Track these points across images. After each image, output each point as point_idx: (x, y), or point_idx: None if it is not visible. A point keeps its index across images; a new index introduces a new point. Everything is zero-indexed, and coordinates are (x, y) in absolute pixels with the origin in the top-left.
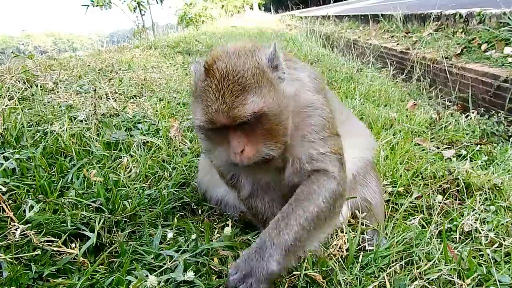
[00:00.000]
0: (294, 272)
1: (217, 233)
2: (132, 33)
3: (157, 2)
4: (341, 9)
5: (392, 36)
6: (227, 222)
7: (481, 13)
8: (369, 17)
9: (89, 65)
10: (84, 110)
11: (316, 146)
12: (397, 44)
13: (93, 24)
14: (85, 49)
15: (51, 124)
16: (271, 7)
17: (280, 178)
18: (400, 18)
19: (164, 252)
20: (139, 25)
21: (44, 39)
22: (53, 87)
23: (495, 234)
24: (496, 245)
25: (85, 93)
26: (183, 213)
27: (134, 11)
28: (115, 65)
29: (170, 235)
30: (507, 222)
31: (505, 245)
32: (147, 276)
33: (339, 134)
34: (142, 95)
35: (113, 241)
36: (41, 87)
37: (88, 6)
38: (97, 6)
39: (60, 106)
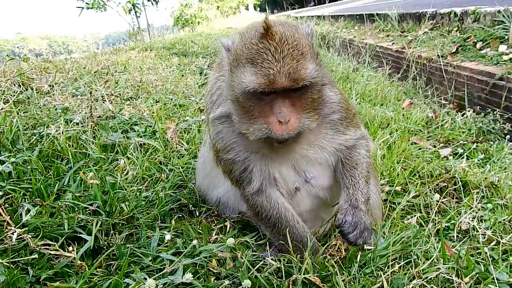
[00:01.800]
0: (294, 275)
1: (215, 234)
2: (127, 35)
3: (152, 4)
4: (336, 9)
5: (388, 35)
6: (225, 224)
7: (475, 12)
8: (364, 16)
9: (84, 68)
10: (80, 113)
11: (346, 132)
12: (393, 43)
13: (88, 27)
14: (80, 51)
15: (47, 127)
16: (267, 7)
17: (299, 164)
18: (395, 17)
19: (163, 255)
20: (134, 27)
21: (39, 42)
22: (48, 90)
23: (492, 232)
24: (494, 243)
25: (81, 96)
26: (180, 215)
27: (129, 13)
28: (111, 67)
29: (168, 237)
30: (504, 220)
31: (502, 243)
32: (145, 279)
33: (356, 112)
34: (138, 97)
35: (111, 244)
36: (36, 90)
37: (83, 8)
38: (91, 8)
39: (56, 109)
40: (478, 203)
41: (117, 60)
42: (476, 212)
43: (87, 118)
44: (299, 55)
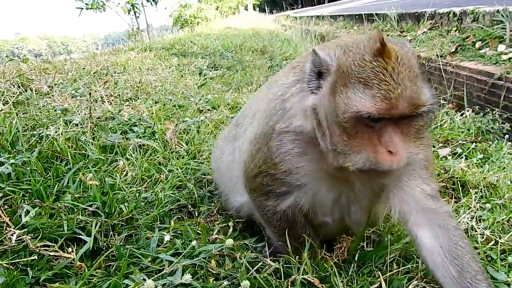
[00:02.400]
0: (293, 276)
1: (215, 234)
2: (126, 36)
3: (152, 4)
4: (336, 9)
5: (387, 35)
6: (229, 223)
7: (474, 11)
8: (363, 16)
9: (84, 68)
10: (79, 114)
11: (428, 182)
12: None
13: (87, 27)
14: (80, 52)
15: (46, 128)
16: (266, 7)
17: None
18: (394, 17)
19: (162, 256)
20: (133, 27)
21: (38, 43)
22: (48, 91)
23: (491, 232)
24: (492, 242)
25: (80, 97)
26: (180, 216)
27: (129, 13)
28: (110, 68)
29: (167, 238)
30: (502, 219)
31: (501, 242)
32: (144, 280)
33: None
34: (138, 98)
35: (110, 245)
36: (36, 91)
37: (82, 9)
38: (91, 9)
39: (55, 110)
40: (476, 203)
41: (116, 61)
42: (475, 212)
43: (87, 119)
44: (415, 77)
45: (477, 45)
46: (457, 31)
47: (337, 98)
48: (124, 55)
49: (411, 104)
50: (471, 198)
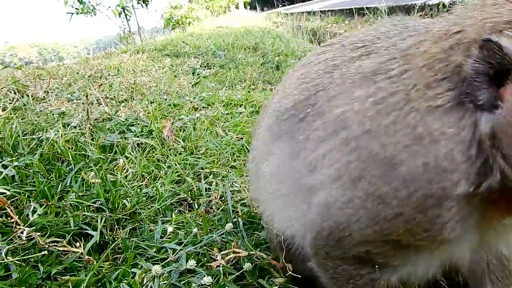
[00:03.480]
0: None
1: (214, 225)
2: (118, 39)
3: (142, 6)
4: (326, 4)
5: None
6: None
7: (464, 1)
8: (354, 10)
9: (78, 73)
10: (77, 116)
11: None
12: None
13: (78, 32)
14: (71, 57)
15: (46, 132)
16: (257, 5)
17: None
18: (385, 10)
19: (166, 245)
20: (125, 30)
21: (28, 50)
22: (44, 96)
23: None
24: None
25: (76, 100)
26: (180, 209)
27: (120, 16)
28: (104, 71)
29: (170, 229)
30: None
31: None
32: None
33: None
34: (133, 99)
35: (116, 238)
36: (32, 96)
37: (73, 14)
38: (81, 13)
39: (52, 114)
40: None
41: (110, 64)
42: None
43: (84, 121)
44: None
45: None
46: None
47: None
48: (117, 58)
49: None
50: None
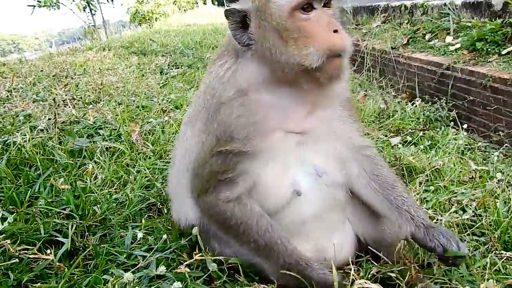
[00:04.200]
0: None
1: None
2: (82, 33)
3: (108, 1)
4: None
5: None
6: None
7: (424, 5)
8: None
9: (42, 71)
10: (44, 119)
11: (360, 134)
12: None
13: (39, 23)
14: (32, 50)
15: (12, 135)
16: (224, 1)
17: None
18: (350, 11)
19: (136, 252)
20: (90, 25)
21: None
22: (7, 96)
23: (433, 211)
24: (434, 220)
25: (42, 101)
26: (150, 214)
27: (84, 10)
28: (69, 70)
29: (140, 235)
30: (444, 199)
31: (440, 220)
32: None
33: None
34: (101, 100)
35: (87, 245)
36: None
37: (35, 6)
38: (44, 6)
39: (18, 116)
40: (422, 186)
41: (75, 62)
42: (420, 195)
43: (52, 124)
44: None
45: (427, 37)
46: (409, 24)
47: (267, 16)
48: (82, 55)
49: None
50: (416, 182)
